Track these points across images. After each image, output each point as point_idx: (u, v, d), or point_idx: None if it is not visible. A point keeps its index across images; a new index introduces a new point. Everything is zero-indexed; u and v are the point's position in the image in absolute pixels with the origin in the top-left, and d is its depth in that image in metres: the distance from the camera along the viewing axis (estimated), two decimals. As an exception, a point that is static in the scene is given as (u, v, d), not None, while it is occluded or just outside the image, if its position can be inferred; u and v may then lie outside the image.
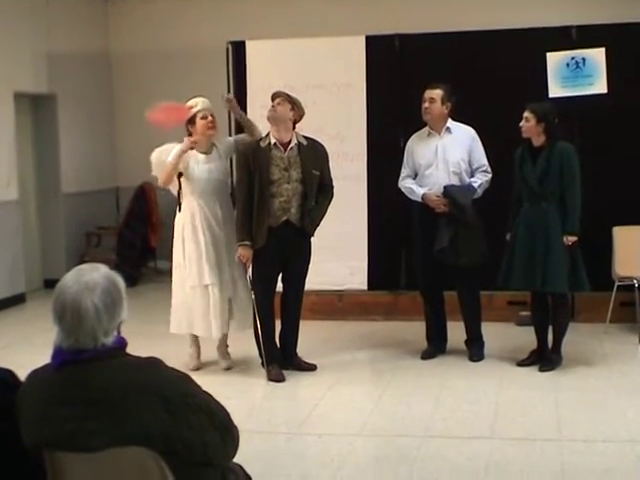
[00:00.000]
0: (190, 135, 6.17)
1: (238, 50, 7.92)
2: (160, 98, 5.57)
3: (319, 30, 8.63)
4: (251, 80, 7.83)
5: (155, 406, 2.45)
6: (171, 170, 6.05)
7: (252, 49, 7.91)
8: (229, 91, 7.64)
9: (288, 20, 9.69)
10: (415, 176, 6.47)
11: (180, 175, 6.13)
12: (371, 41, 7.74)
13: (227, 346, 6.41)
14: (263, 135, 6.06)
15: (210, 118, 6.13)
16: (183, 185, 6.14)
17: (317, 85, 7.67)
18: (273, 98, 6.03)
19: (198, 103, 6.17)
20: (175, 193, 6.21)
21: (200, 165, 6.12)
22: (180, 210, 6.18)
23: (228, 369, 6.34)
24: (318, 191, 6.03)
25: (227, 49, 7.92)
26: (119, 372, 2.51)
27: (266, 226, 5.89)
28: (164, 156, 6.09)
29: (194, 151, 6.11)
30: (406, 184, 6.47)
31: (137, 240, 9.99)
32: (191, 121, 6.14)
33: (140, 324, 6.63)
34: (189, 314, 6.15)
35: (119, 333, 2.60)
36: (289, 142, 5.95)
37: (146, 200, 10.16)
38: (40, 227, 9.91)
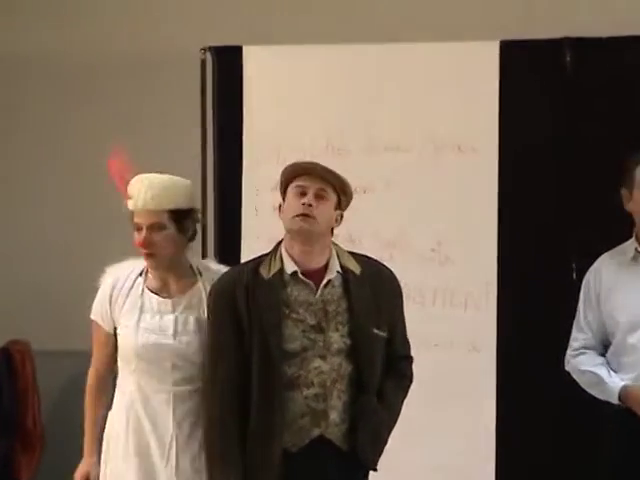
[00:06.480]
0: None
1: (223, 63, 6.90)
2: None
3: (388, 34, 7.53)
4: (251, 129, 6.78)
5: None
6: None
7: (254, 62, 6.83)
8: (204, 156, 6.82)
9: (315, 20, 8.76)
10: (605, 348, 5.58)
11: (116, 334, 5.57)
12: (509, 50, 6.54)
13: None
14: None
15: (145, 234, 5.19)
16: (119, 353, 5.45)
17: (389, 146, 6.77)
18: (293, 177, 5.00)
19: (138, 193, 5.21)
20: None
21: (150, 315, 5.27)
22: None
23: None
24: (384, 370, 5.12)
25: (203, 61, 6.93)
26: None
27: (277, 451, 4.91)
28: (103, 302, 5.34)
29: (142, 286, 5.41)
30: (582, 365, 5.60)
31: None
32: None
33: None
34: None
35: None
36: (323, 269, 5.03)
37: (14, 376, 9.09)
38: None
